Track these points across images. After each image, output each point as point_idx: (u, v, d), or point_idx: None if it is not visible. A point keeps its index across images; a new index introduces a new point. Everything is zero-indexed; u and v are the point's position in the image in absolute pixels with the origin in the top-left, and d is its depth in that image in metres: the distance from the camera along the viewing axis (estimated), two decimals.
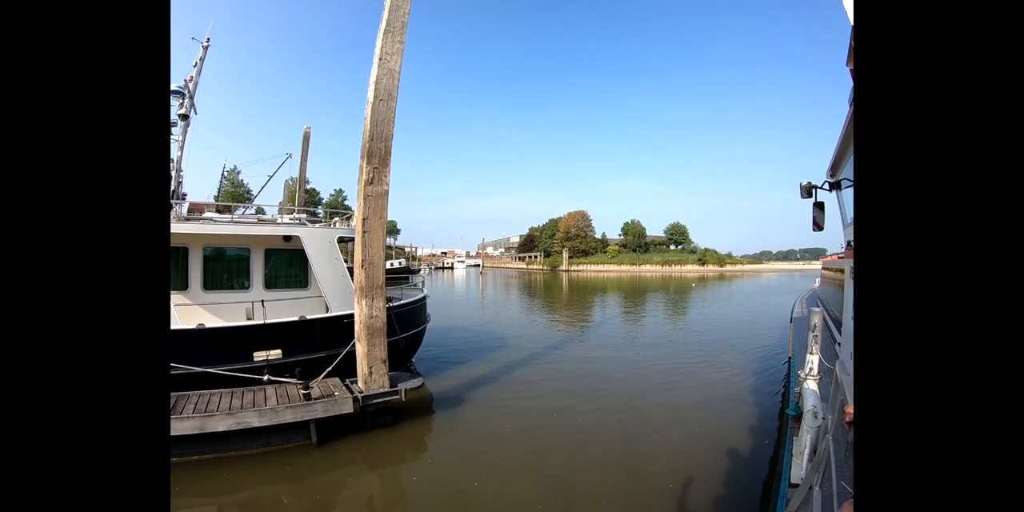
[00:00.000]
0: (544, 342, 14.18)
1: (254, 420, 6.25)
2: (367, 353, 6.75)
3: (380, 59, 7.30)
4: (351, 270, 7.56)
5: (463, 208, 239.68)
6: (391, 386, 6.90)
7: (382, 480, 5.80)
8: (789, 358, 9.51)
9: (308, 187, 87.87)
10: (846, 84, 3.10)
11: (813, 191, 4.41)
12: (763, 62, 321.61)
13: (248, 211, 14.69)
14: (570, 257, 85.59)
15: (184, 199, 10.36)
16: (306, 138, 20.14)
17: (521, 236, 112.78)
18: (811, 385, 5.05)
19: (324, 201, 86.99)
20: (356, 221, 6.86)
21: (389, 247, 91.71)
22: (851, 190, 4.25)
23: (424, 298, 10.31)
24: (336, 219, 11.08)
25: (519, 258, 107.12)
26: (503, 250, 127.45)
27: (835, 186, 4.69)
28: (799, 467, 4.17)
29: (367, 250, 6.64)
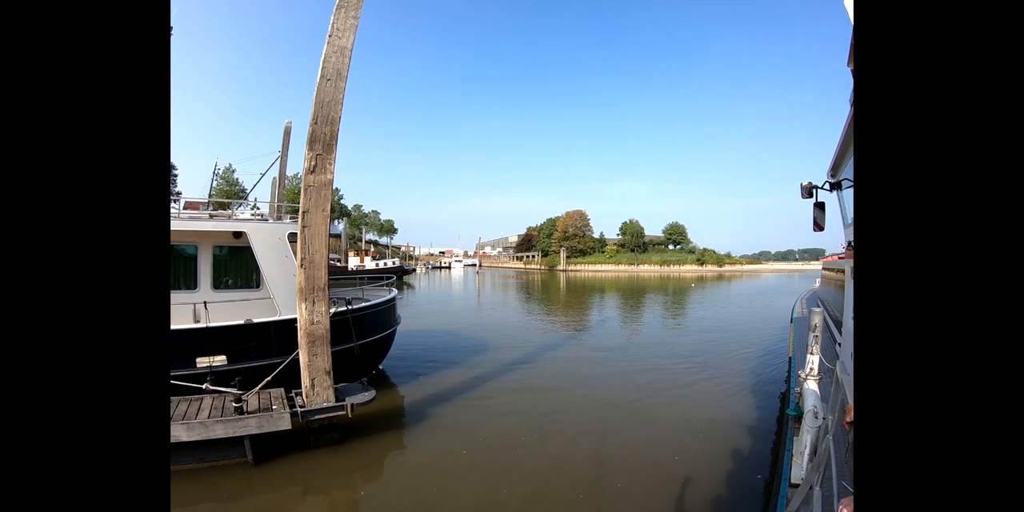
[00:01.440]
0: (535, 346, 13.30)
1: (182, 434, 5.62)
2: (309, 363, 6.01)
3: (331, 35, 6.59)
4: None
5: (461, 208, 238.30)
6: (337, 400, 6.17)
7: (317, 508, 5.08)
8: (790, 358, 9.40)
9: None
10: (847, 84, 3.06)
11: (814, 191, 4.36)
12: (762, 61, 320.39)
13: (246, 208, 14.21)
14: (568, 257, 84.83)
15: (178, 197, 9.81)
16: (287, 133, 19.51)
17: (519, 236, 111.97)
18: (811, 385, 5.09)
19: None
20: (299, 215, 6.12)
21: (385, 246, 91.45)
22: (851, 190, 4.23)
23: (392, 299, 9.56)
24: None
25: (517, 258, 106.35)
26: (501, 250, 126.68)
27: (836, 186, 4.61)
28: (799, 467, 4.16)
29: (308, 247, 5.90)
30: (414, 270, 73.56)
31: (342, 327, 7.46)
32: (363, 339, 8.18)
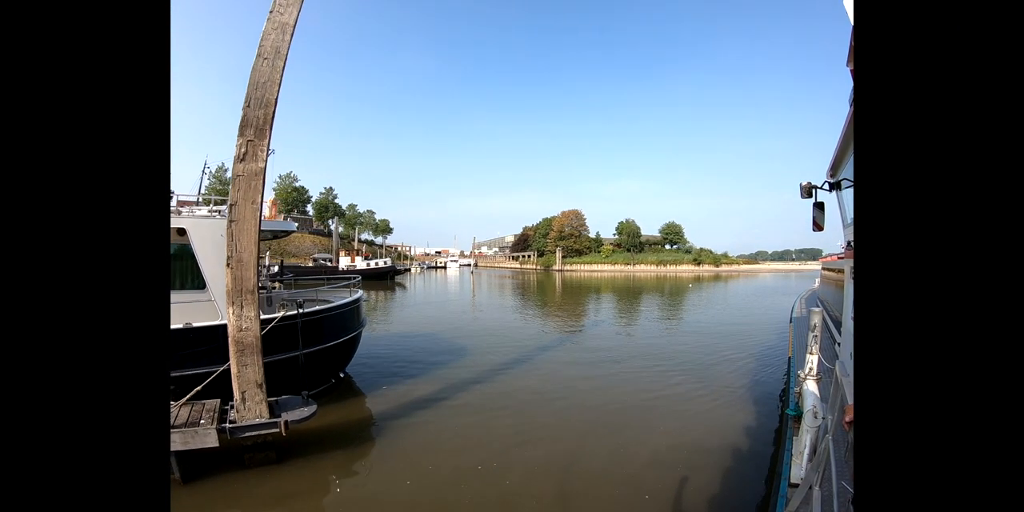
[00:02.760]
0: (522, 351, 12.44)
1: None
2: (238, 375, 5.37)
3: (273, 11, 5.95)
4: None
5: (458, 208, 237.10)
6: (272, 415, 5.52)
7: None
8: (789, 358, 9.34)
9: (296, 185, 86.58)
10: (846, 84, 3.07)
11: (813, 191, 4.33)
12: (761, 61, 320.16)
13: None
14: (564, 257, 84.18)
15: (173, 195, 9.18)
16: None
17: (515, 235, 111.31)
18: (811, 385, 5.10)
19: (313, 199, 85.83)
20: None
21: (380, 246, 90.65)
22: (851, 190, 4.25)
23: (356, 301, 8.89)
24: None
25: (513, 257, 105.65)
26: (497, 249, 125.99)
27: (835, 186, 4.58)
28: (799, 467, 4.17)
29: (236, 245, 5.26)
30: (408, 270, 72.76)
31: (290, 333, 6.83)
32: (318, 345, 7.53)
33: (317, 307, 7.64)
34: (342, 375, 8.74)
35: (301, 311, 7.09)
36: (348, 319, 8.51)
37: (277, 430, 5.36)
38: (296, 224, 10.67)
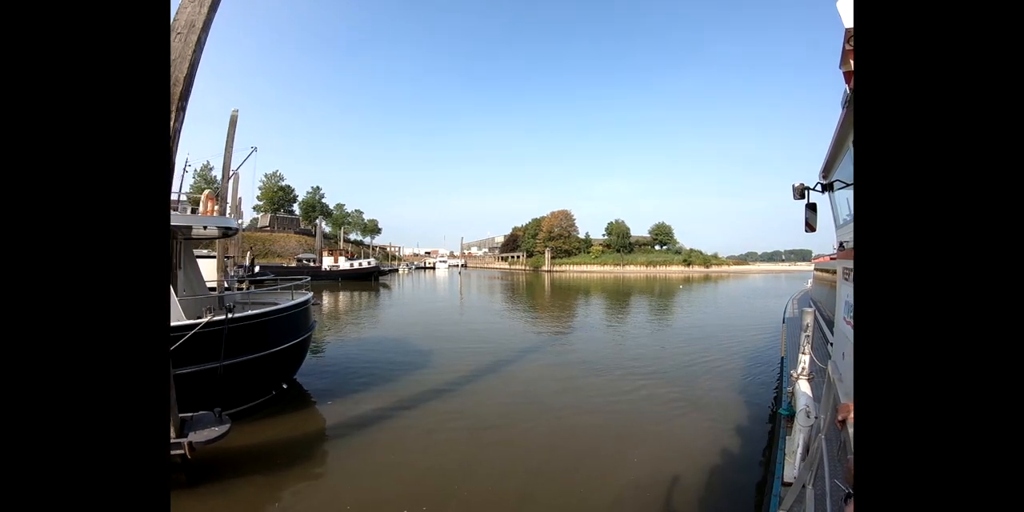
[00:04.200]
0: (498, 359, 11.32)
1: None
2: None
3: None
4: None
5: (448, 208, 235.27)
6: (180, 434, 4.89)
7: None
8: (782, 358, 9.33)
9: (282, 184, 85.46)
10: (837, 86, 3.25)
11: (806, 192, 4.36)
12: (754, 60, 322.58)
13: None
14: (553, 257, 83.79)
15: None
16: (232, 123, 18.35)
17: (505, 236, 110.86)
18: (803, 385, 5.13)
19: (300, 198, 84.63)
20: None
21: (367, 246, 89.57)
22: (843, 192, 4.28)
23: (302, 304, 8.21)
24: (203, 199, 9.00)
25: (502, 258, 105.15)
26: (487, 250, 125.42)
27: (827, 187, 4.63)
28: (792, 466, 4.21)
29: None
30: (395, 270, 71.86)
31: (215, 341, 6.18)
32: (254, 353, 6.88)
33: (250, 312, 6.97)
34: (285, 386, 8.06)
35: (230, 316, 6.44)
36: (291, 323, 7.84)
37: (182, 451, 4.73)
38: (238, 221, 9.94)
